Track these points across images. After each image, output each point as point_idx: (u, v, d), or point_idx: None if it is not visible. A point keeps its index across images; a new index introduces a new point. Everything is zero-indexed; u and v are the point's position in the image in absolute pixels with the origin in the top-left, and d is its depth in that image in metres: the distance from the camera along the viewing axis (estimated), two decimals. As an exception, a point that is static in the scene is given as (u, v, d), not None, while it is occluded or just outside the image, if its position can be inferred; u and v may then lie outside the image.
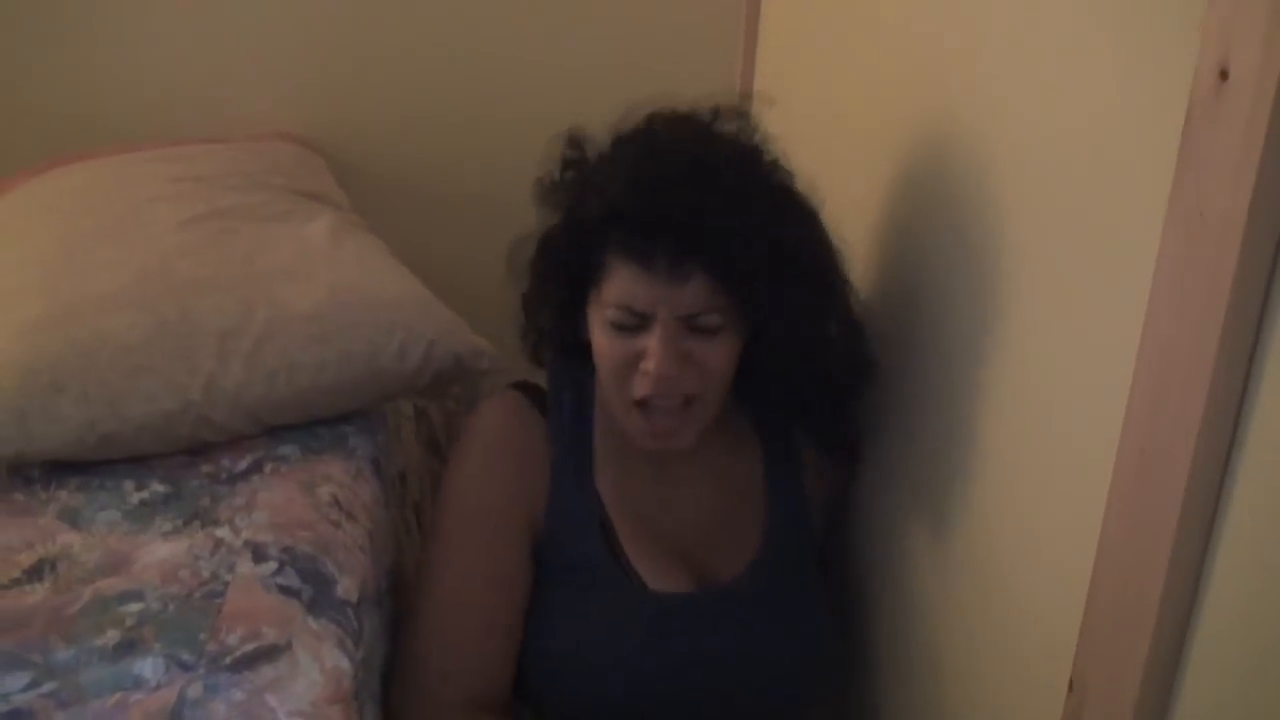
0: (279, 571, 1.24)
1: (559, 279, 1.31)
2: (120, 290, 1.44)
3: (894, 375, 1.38)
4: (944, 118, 1.28)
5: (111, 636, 1.14)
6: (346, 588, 1.27)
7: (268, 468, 1.41)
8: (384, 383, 1.48)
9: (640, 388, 1.25)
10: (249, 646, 1.14)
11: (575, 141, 1.32)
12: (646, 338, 1.24)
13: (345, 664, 1.17)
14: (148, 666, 1.10)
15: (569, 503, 1.36)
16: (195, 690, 1.08)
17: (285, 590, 1.22)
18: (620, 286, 1.23)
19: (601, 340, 1.27)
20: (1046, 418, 1.05)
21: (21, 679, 1.09)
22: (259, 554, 1.26)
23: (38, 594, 1.21)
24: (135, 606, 1.18)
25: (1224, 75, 0.75)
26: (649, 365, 1.23)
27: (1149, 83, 0.89)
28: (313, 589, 1.24)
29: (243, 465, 1.41)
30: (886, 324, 1.39)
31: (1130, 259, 0.88)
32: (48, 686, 1.08)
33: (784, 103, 1.70)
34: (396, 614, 1.40)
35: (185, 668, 1.10)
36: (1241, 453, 0.78)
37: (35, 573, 1.24)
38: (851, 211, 1.48)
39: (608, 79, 2.13)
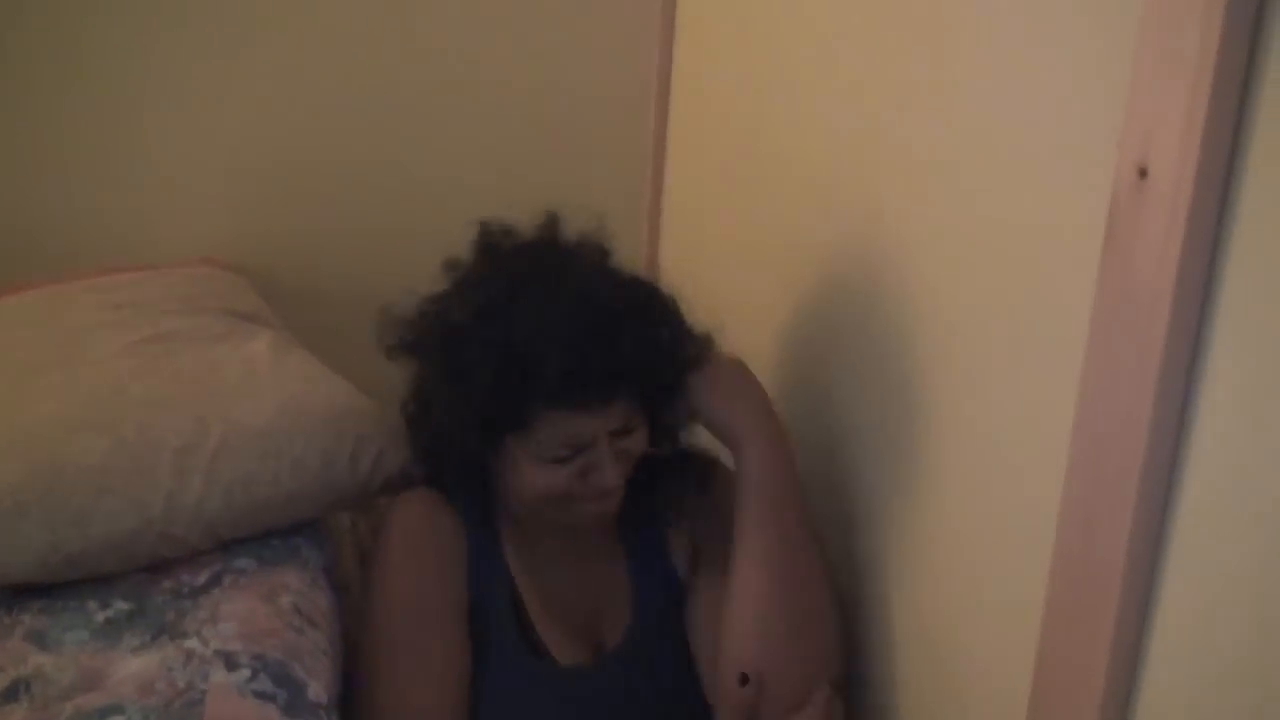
0: (253, 678, 1.27)
1: (477, 425, 1.38)
2: (75, 414, 1.47)
3: (833, 448, 1.47)
4: (873, 217, 1.38)
5: (97, 750, 1.17)
6: (317, 691, 1.31)
7: (227, 580, 1.44)
8: (336, 492, 1.53)
9: (597, 496, 1.38)
10: (236, 751, 1.17)
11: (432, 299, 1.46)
12: (585, 457, 1.35)
13: (324, 766, 1.21)
14: (138, 776, 1.13)
15: (484, 585, 1.45)
16: (189, 796, 1.11)
17: (261, 695, 1.26)
18: (558, 430, 1.34)
19: (537, 473, 1.37)
20: (989, 483, 1.14)
21: (15, 796, 1.11)
22: (231, 662, 1.29)
23: (16, 715, 1.22)
24: (117, 719, 1.21)
25: (1143, 173, 0.86)
26: (605, 482, 1.36)
27: (1073, 178, 0.99)
28: (287, 693, 1.27)
29: (202, 579, 1.44)
30: (834, 401, 1.48)
31: (1063, 336, 0.97)
32: (43, 801, 1.10)
33: (697, 203, 1.79)
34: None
35: (176, 775, 1.13)
36: (1176, 515, 0.87)
37: (11, 694, 1.25)
38: (775, 307, 1.57)
39: (519, 190, 2.22)
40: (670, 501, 1.51)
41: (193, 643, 1.32)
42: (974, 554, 1.17)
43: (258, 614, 1.38)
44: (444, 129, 2.22)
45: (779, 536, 1.35)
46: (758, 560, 1.34)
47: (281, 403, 1.53)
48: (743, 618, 1.34)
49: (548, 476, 1.36)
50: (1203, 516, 0.86)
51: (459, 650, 1.41)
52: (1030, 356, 1.06)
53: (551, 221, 1.44)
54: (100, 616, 1.38)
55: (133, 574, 1.45)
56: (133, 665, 1.29)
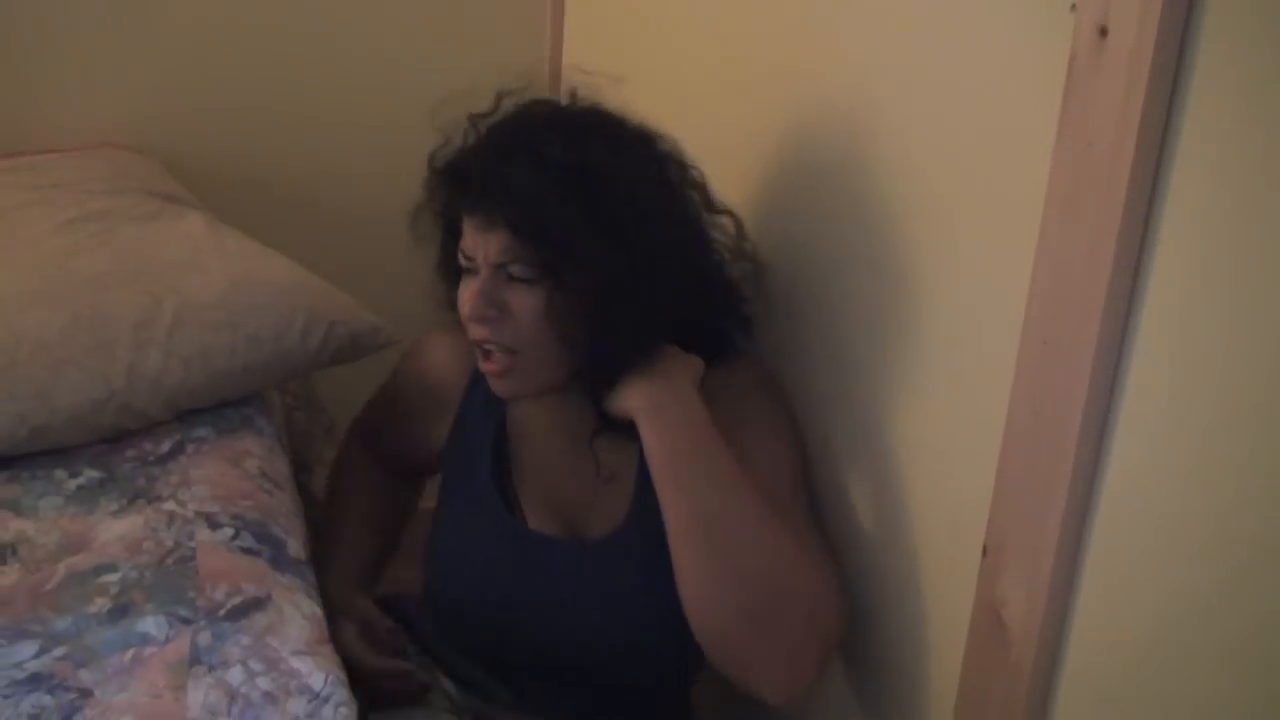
0: (236, 536, 1.33)
1: (444, 234, 1.44)
2: (25, 291, 1.49)
3: (807, 276, 1.50)
4: (828, 76, 1.44)
5: (101, 604, 1.21)
6: (295, 548, 1.37)
7: (189, 448, 1.49)
8: (289, 363, 1.57)
9: (469, 329, 1.38)
10: (236, 599, 1.23)
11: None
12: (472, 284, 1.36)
13: (319, 611, 1.27)
14: (150, 624, 1.19)
15: (475, 427, 1.51)
16: (205, 638, 1.17)
17: (248, 551, 1.32)
18: (464, 232, 1.36)
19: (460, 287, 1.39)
20: (953, 314, 1.21)
21: (30, 648, 1.15)
22: (213, 522, 1.34)
23: (10, 576, 1.26)
24: (113, 576, 1.25)
25: (1103, 32, 0.95)
26: (461, 303, 1.36)
27: (1030, 38, 1.08)
28: (270, 549, 1.34)
29: (166, 447, 1.49)
30: (796, 253, 1.52)
31: (1020, 188, 1.07)
32: (58, 651, 1.15)
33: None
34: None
35: (186, 622, 1.19)
36: (1134, 339, 0.96)
37: (-1, 558, 1.29)
38: (734, 163, 1.61)
39: (419, 67, 2.28)
40: None
41: (170, 505, 1.37)
42: (936, 385, 1.26)
43: (228, 477, 1.43)
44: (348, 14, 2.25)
45: (693, 490, 1.31)
46: (675, 525, 1.31)
47: (231, 278, 1.56)
48: (684, 593, 1.31)
49: (460, 288, 1.38)
50: (1157, 355, 0.95)
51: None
52: (989, 214, 1.15)
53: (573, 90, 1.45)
54: (71, 484, 1.41)
55: (94, 445, 1.48)
56: (116, 528, 1.33)
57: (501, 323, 1.35)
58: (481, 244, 1.34)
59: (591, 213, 1.33)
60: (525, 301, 1.34)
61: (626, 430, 1.37)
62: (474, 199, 1.35)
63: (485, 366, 1.39)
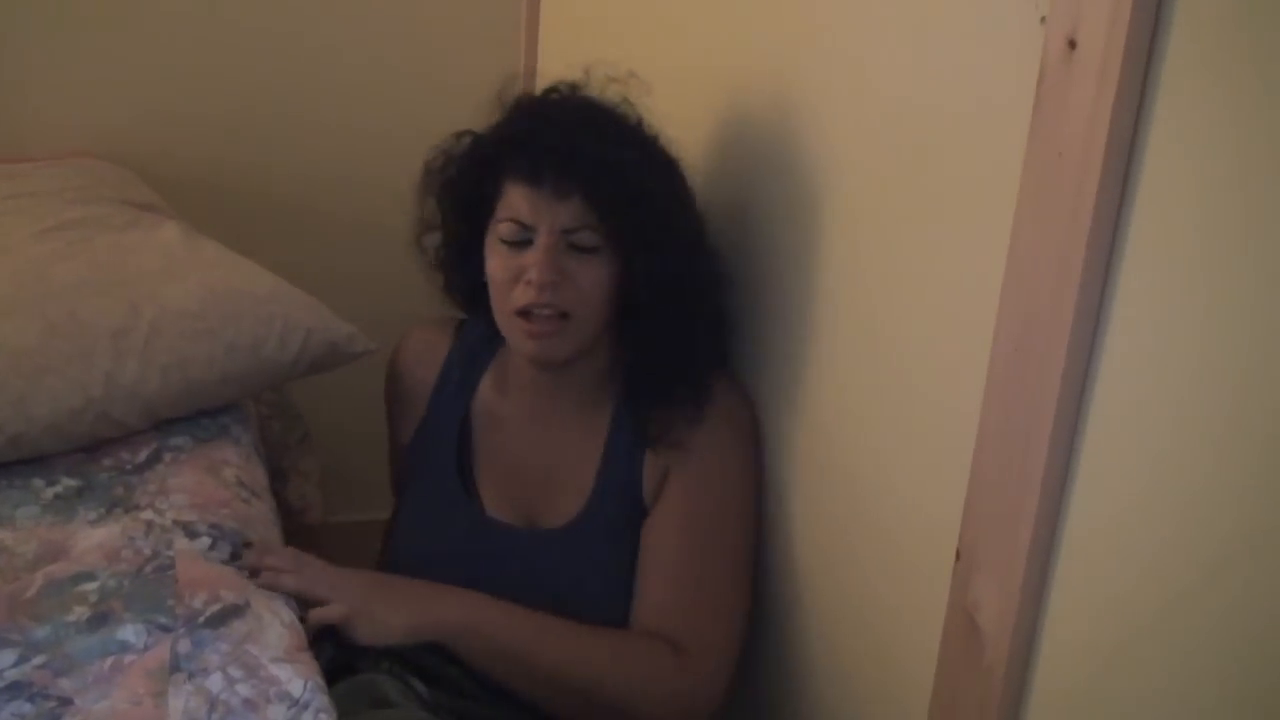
0: (214, 546, 1.34)
1: (462, 215, 1.48)
2: (2, 298, 1.48)
3: (777, 283, 1.52)
4: (797, 80, 1.45)
5: (80, 612, 1.21)
6: (273, 556, 1.37)
7: (167, 457, 1.49)
8: (266, 372, 1.57)
9: (523, 296, 1.40)
10: (215, 607, 1.23)
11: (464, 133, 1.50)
12: (531, 254, 1.39)
13: (296, 619, 1.28)
14: (129, 632, 1.18)
15: (439, 415, 1.57)
16: (184, 646, 1.17)
17: (225, 561, 1.32)
18: (511, 203, 1.40)
19: (493, 260, 1.43)
20: (926, 320, 1.23)
21: (9, 657, 1.15)
22: (190, 531, 1.35)
23: (-12, 586, 1.26)
24: (91, 585, 1.25)
25: (1072, 44, 0.97)
26: (531, 274, 1.39)
27: (999, 49, 1.10)
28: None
29: (143, 456, 1.49)
30: (763, 261, 1.54)
31: (991, 197, 1.09)
32: (38, 660, 1.15)
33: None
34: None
35: (165, 629, 1.19)
36: (1104, 345, 0.97)
37: (-24, 568, 1.29)
38: (707, 169, 1.63)
39: (394, 76, 2.31)
40: (658, 424, 1.50)
41: (148, 514, 1.37)
42: (907, 392, 1.27)
43: (206, 486, 1.44)
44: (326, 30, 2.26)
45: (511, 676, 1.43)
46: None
47: (208, 287, 1.56)
48: None
49: (494, 261, 1.42)
50: (1126, 361, 0.96)
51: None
52: (961, 222, 1.17)
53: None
54: (49, 493, 1.41)
55: (71, 455, 1.48)
56: (94, 536, 1.33)
57: (563, 287, 1.40)
58: (548, 213, 1.39)
59: (669, 188, 1.46)
60: (588, 269, 1.42)
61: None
62: (540, 169, 1.39)
63: (531, 329, 1.42)
